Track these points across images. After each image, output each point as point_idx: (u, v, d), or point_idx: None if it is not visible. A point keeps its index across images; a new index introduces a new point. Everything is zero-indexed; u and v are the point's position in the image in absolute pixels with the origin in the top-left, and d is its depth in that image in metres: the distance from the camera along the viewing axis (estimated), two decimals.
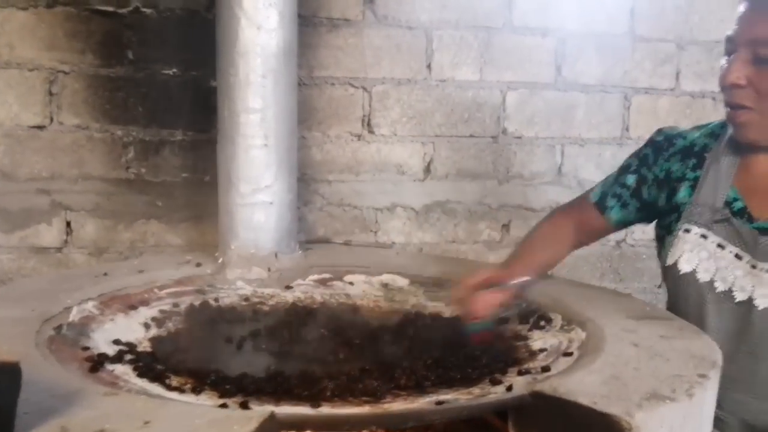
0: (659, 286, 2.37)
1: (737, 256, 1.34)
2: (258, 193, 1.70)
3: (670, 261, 1.40)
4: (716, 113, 2.31)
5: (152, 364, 1.18)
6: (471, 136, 2.14)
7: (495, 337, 1.34)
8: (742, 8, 1.30)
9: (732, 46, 1.29)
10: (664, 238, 1.47)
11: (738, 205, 1.37)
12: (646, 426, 0.94)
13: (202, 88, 1.89)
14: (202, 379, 1.12)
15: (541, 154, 2.20)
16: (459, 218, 2.17)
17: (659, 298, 2.36)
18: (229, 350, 1.28)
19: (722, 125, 1.44)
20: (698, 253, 1.37)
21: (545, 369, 1.15)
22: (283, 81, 1.69)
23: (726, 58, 1.32)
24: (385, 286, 1.69)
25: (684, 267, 1.38)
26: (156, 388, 1.08)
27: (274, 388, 1.09)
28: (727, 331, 1.35)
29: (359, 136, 2.05)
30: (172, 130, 1.94)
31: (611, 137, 2.24)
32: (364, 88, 2.03)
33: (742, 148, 1.38)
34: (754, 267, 1.32)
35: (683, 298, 1.40)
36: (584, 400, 0.97)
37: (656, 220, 1.53)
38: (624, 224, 1.57)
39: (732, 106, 1.31)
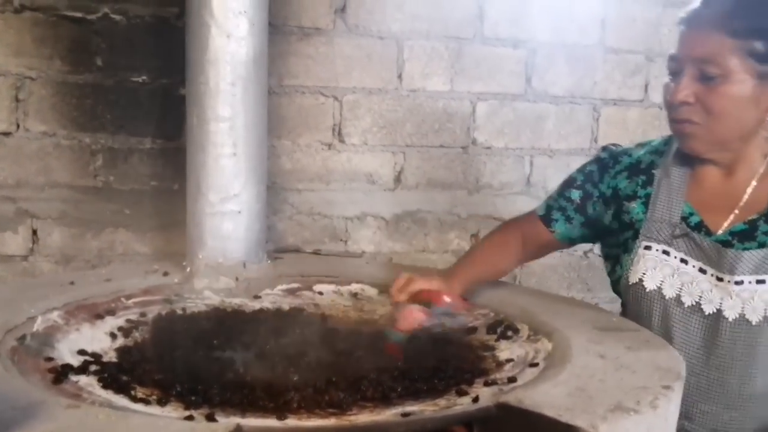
0: None
1: (701, 270, 1.36)
2: (226, 202, 1.69)
3: (633, 279, 1.41)
4: None
5: (117, 375, 1.16)
6: (441, 146, 2.15)
7: (402, 352, 1.32)
8: (683, 27, 1.34)
9: (677, 64, 1.33)
10: (619, 257, 1.48)
11: (694, 219, 1.39)
12: None
13: (171, 95, 1.88)
14: (168, 391, 1.11)
15: (511, 165, 2.22)
16: (429, 228, 2.18)
17: None
18: (195, 360, 1.26)
19: (665, 142, 1.47)
20: (661, 269, 1.38)
21: (511, 380, 1.16)
22: (253, 89, 1.69)
23: (670, 76, 1.35)
24: (354, 295, 1.69)
25: (649, 284, 1.39)
26: (121, 400, 1.07)
27: (240, 399, 1.08)
28: (696, 344, 1.36)
29: (330, 145, 2.05)
30: (141, 138, 1.92)
31: (580, 148, 2.27)
32: (335, 97, 2.04)
33: (690, 162, 1.41)
34: (720, 279, 1.34)
35: (647, 316, 1.41)
36: (549, 412, 0.98)
37: (603, 239, 1.55)
38: (570, 239, 1.57)
39: (678, 121, 1.34)
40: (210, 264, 1.69)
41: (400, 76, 2.08)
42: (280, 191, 2.04)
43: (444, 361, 1.29)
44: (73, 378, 1.13)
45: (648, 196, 1.43)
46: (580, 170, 1.56)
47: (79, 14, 1.84)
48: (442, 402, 1.10)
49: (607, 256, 1.55)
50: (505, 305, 1.53)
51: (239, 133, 1.68)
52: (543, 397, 1.03)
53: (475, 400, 1.08)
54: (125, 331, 1.42)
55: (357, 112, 2.06)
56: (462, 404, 1.07)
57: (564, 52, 2.20)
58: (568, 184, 1.56)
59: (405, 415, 1.02)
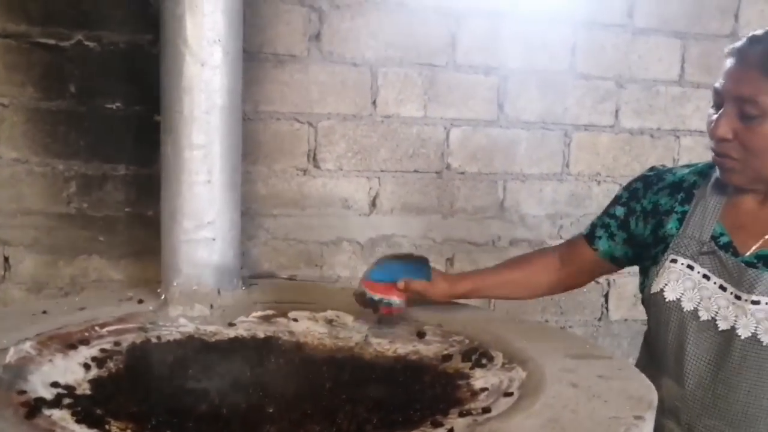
0: (599, 320, 2.43)
1: (722, 288, 1.39)
2: (201, 230, 1.69)
3: (654, 289, 1.45)
4: (654, 150, 2.40)
5: (91, 408, 1.15)
6: (416, 171, 2.17)
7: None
8: (729, 62, 1.35)
9: (719, 98, 1.35)
10: (648, 270, 1.51)
11: (724, 239, 1.42)
12: None
13: (146, 122, 1.87)
14: (143, 424, 1.10)
15: (484, 189, 2.24)
16: (404, 252, 2.19)
17: (600, 332, 2.43)
18: (170, 391, 1.26)
19: (711, 165, 1.49)
20: (683, 282, 1.42)
21: (486, 410, 1.17)
22: (228, 117, 1.70)
23: (713, 108, 1.38)
24: (329, 322, 1.69)
25: (669, 295, 1.42)
26: None
27: (216, 431, 1.08)
28: (707, 359, 1.39)
29: (305, 171, 2.06)
30: (115, 165, 1.92)
31: (552, 173, 2.30)
32: (310, 123, 2.05)
33: (728, 188, 1.44)
34: (738, 298, 1.36)
35: (664, 326, 1.44)
36: None
37: (641, 256, 1.56)
38: (612, 257, 1.60)
39: (718, 154, 1.38)
40: (185, 291, 1.69)
41: (374, 103, 2.10)
42: (256, 217, 2.04)
43: (420, 390, 1.30)
44: (47, 412, 1.12)
45: (684, 213, 1.47)
46: (626, 188, 1.60)
47: (52, 41, 1.84)
48: None
49: (641, 272, 1.57)
50: (480, 332, 1.54)
51: (214, 161, 1.69)
52: (516, 429, 1.04)
53: (450, 431, 1.08)
54: (99, 361, 1.40)
55: (332, 137, 2.08)
56: None
57: (535, 79, 2.23)
58: (614, 202, 1.60)
59: None
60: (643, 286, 1.53)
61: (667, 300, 1.42)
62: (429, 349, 1.54)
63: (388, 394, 1.27)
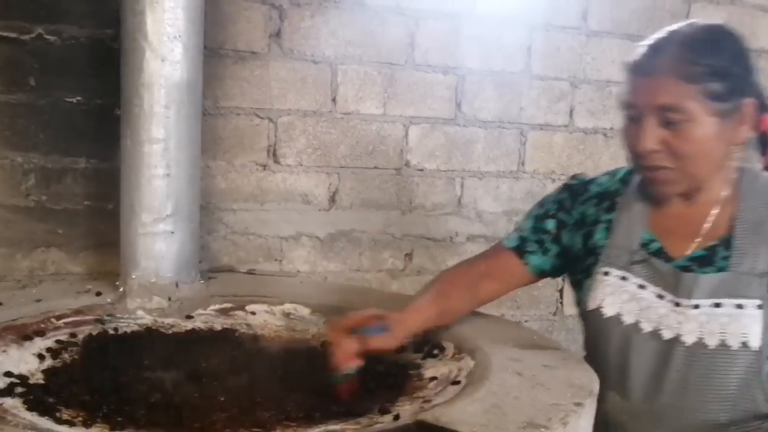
0: (554, 314, 2.49)
1: (659, 296, 1.37)
2: (159, 223, 1.71)
3: (592, 305, 1.42)
4: (607, 149, 2.47)
5: (43, 397, 1.17)
6: (375, 167, 2.20)
7: (359, 385, 1.30)
8: (633, 73, 1.33)
9: (636, 112, 1.32)
10: (581, 282, 1.49)
11: (655, 246, 1.40)
12: None
13: (106, 116, 1.88)
14: (94, 412, 1.12)
15: (442, 186, 2.29)
16: (363, 247, 2.23)
17: (555, 326, 2.48)
18: (124, 381, 1.28)
19: (630, 171, 1.47)
20: (620, 295, 1.39)
21: (432, 398, 1.21)
22: (187, 112, 1.72)
23: (629, 120, 1.34)
24: (287, 315, 1.72)
25: (607, 311, 1.39)
26: (45, 423, 1.08)
27: (166, 419, 1.10)
28: (652, 369, 1.36)
29: (264, 166, 2.08)
30: (75, 158, 1.91)
31: (508, 171, 2.35)
32: (270, 119, 2.07)
33: (653, 194, 1.41)
34: (677, 305, 1.34)
35: (605, 340, 1.41)
36: (464, 429, 1.03)
37: (571, 268, 1.54)
38: (542, 271, 1.55)
39: (649, 168, 1.34)
40: (143, 284, 1.70)
41: (334, 99, 2.13)
42: (215, 211, 2.06)
43: (371, 380, 1.34)
44: None
45: (610, 222, 1.45)
46: (552, 200, 1.56)
47: (12, 35, 1.83)
48: (364, 420, 1.14)
49: (573, 284, 1.55)
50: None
51: (173, 155, 1.70)
52: (459, 415, 1.08)
53: (396, 418, 1.12)
54: (54, 352, 1.42)
55: (292, 133, 2.10)
56: (382, 422, 1.12)
57: (492, 79, 2.28)
58: (542, 216, 1.55)
59: None
60: (579, 301, 1.51)
61: (605, 316, 1.40)
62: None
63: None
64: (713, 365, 1.32)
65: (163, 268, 1.73)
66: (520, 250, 1.54)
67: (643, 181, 1.42)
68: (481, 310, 1.63)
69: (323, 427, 1.10)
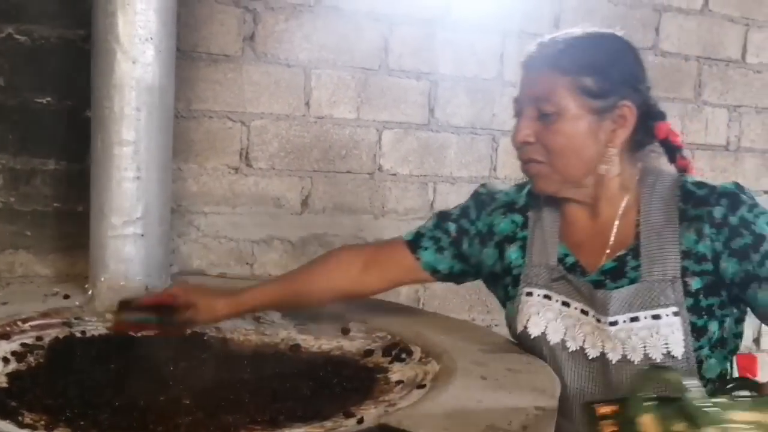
0: None
1: (583, 312, 1.34)
2: (129, 225, 1.70)
3: (519, 327, 1.40)
4: None
5: (5, 401, 1.16)
6: (348, 171, 2.21)
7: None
8: (522, 71, 1.37)
9: (519, 106, 1.35)
10: (506, 305, 1.48)
11: (570, 260, 1.39)
12: None
13: (77, 118, 1.87)
14: (57, 415, 1.11)
15: (415, 191, 2.30)
16: None
17: None
18: (90, 384, 1.27)
19: None
20: (544, 314, 1.37)
21: (396, 401, 1.22)
22: (158, 114, 1.71)
23: (514, 117, 1.37)
24: (257, 319, 1.72)
25: (533, 330, 1.37)
26: (7, 426, 1.07)
27: (129, 423, 1.10)
28: (587, 388, 1.33)
29: (237, 169, 2.08)
30: (45, 159, 1.90)
31: (480, 176, 2.37)
32: (243, 122, 2.07)
33: (555, 202, 1.41)
34: (599, 321, 1.31)
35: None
36: None
37: (488, 283, 1.54)
38: (434, 270, 1.53)
39: (524, 161, 1.36)
40: (112, 287, 1.69)
41: (307, 104, 2.13)
42: (186, 214, 2.05)
43: (338, 383, 1.34)
44: None
45: (525, 239, 1.44)
46: (457, 206, 1.57)
47: None
48: (328, 424, 1.14)
49: (501, 303, 1.53)
50: (403, 328, 1.59)
51: (143, 157, 1.70)
52: (422, 418, 1.09)
53: (360, 421, 1.13)
54: (19, 356, 1.40)
55: (264, 137, 2.10)
56: (347, 426, 1.12)
57: (465, 85, 2.30)
58: (444, 217, 1.55)
59: None
60: (508, 323, 1.49)
61: (532, 336, 1.38)
62: (353, 344, 1.58)
63: (306, 387, 1.30)
64: None
65: (133, 271, 1.72)
66: (414, 244, 1.53)
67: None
68: (452, 314, 1.64)
69: (287, 431, 1.10)
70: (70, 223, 1.93)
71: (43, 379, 1.28)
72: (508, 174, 2.40)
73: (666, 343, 1.26)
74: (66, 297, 1.70)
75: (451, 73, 2.27)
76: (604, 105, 1.30)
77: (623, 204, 1.37)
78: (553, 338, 1.36)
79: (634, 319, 1.28)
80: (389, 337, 1.58)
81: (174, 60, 1.76)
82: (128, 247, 1.71)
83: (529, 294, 1.40)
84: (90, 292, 1.71)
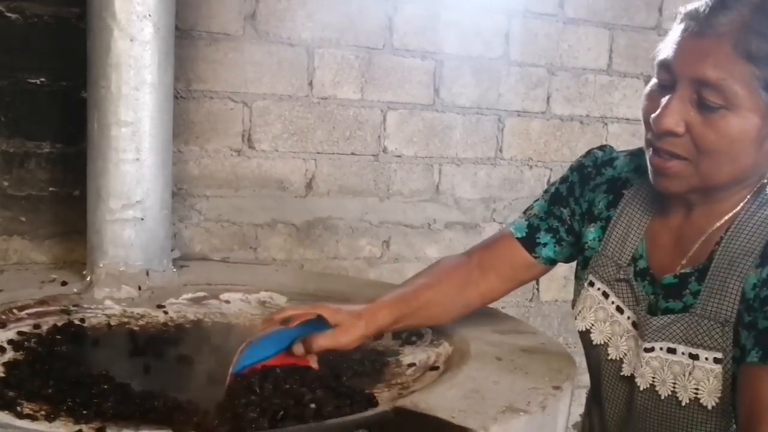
0: (531, 300, 2.48)
1: (634, 324, 1.17)
2: (128, 209, 1.65)
3: (575, 311, 1.26)
4: (583, 136, 2.45)
5: (3, 391, 1.12)
6: (352, 153, 2.16)
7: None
8: (683, 29, 1.04)
9: (669, 76, 1.05)
10: (575, 280, 1.32)
11: (642, 264, 1.19)
12: None
13: (72, 99, 1.82)
14: (58, 406, 1.07)
15: (420, 173, 2.25)
16: (340, 234, 2.19)
17: (531, 312, 2.47)
18: (92, 374, 1.23)
19: None
20: (596, 312, 1.22)
21: (411, 384, 1.18)
22: (158, 94, 1.66)
23: (655, 87, 1.08)
24: (262, 304, 1.68)
25: (579, 324, 1.24)
26: (5, 417, 1.02)
27: (131, 412, 1.06)
28: (618, 398, 1.21)
29: (239, 151, 2.04)
30: (39, 142, 1.85)
31: (486, 157, 2.33)
32: (245, 103, 2.02)
33: (662, 195, 1.16)
34: (637, 342, 1.16)
35: (587, 356, 1.28)
36: (443, 415, 1.01)
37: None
38: (554, 262, 1.34)
39: (660, 151, 1.07)
40: (111, 273, 1.65)
41: (310, 84, 2.08)
42: (187, 197, 2.01)
43: (348, 367, 1.30)
44: None
45: (609, 220, 1.24)
46: (563, 181, 1.33)
47: None
48: (342, 409, 1.10)
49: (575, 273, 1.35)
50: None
51: (142, 139, 1.65)
52: (438, 400, 1.05)
53: (375, 403, 1.09)
54: (16, 344, 1.35)
55: (267, 118, 2.05)
56: (362, 410, 1.08)
57: (470, 65, 2.25)
58: (555, 200, 1.32)
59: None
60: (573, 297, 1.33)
61: (579, 328, 1.24)
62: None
63: (320, 371, 1.26)
64: (668, 417, 1.13)
65: (133, 256, 1.68)
66: (529, 241, 1.32)
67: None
68: None
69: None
70: (66, 207, 1.88)
71: (41, 369, 1.23)
72: (513, 155, 2.36)
73: (697, 389, 1.08)
74: (63, 284, 1.66)
75: (456, 53, 2.22)
76: None
77: (728, 216, 1.11)
78: (597, 339, 1.22)
79: (671, 351, 1.11)
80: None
81: (173, 38, 1.71)
82: (127, 232, 1.67)
83: (592, 284, 1.23)
84: (88, 279, 1.67)
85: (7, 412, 1.04)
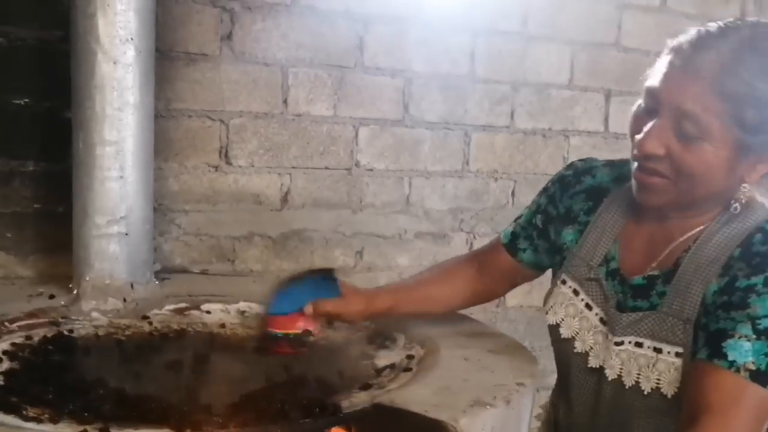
0: (497, 306, 2.58)
1: (602, 320, 1.27)
2: (113, 225, 1.72)
3: (546, 307, 1.36)
4: (546, 149, 2.57)
5: (6, 397, 1.18)
6: (326, 167, 2.25)
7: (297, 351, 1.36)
8: (670, 63, 1.13)
9: (654, 103, 1.14)
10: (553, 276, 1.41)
11: (613, 265, 1.28)
12: (469, 429, 1.08)
13: (56, 118, 1.88)
14: (60, 409, 1.14)
15: (391, 186, 2.35)
16: (315, 245, 2.27)
17: (498, 317, 2.57)
18: (87, 380, 1.30)
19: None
20: (566, 308, 1.31)
21: (386, 384, 1.27)
22: (140, 114, 1.73)
23: (642, 111, 1.17)
24: (242, 313, 1.76)
25: (550, 318, 1.33)
26: (12, 420, 1.09)
27: (131, 414, 1.13)
28: (588, 389, 1.29)
29: (217, 167, 2.11)
30: (24, 161, 1.90)
31: (453, 170, 2.43)
32: (222, 121, 2.10)
33: (639, 205, 1.25)
34: (606, 336, 1.25)
35: (555, 350, 1.36)
36: (417, 409, 1.10)
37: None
38: (541, 266, 1.47)
39: (644, 170, 1.17)
40: (97, 285, 1.71)
41: (285, 101, 2.17)
42: (167, 212, 2.07)
43: (326, 370, 1.39)
44: None
45: (586, 225, 1.33)
46: (544, 191, 1.45)
47: None
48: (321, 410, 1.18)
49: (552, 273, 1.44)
50: (386, 318, 1.64)
51: (126, 157, 1.72)
52: (412, 397, 1.15)
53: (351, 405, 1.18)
54: (11, 355, 1.42)
55: (243, 135, 2.13)
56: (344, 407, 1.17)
57: (438, 82, 2.35)
58: (535, 209, 1.45)
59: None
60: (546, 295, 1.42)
61: (548, 322, 1.34)
62: (337, 334, 1.63)
63: (297, 376, 1.35)
64: (632, 405, 1.22)
65: (118, 269, 1.74)
66: (511, 246, 1.47)
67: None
68: None
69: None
70: (50, 223, 1.93)
71: (38, 376, 1.29)
72: (480, 168, 2.47)
73: (659, 379, 1.18)
74: (51, 297, 1.71)
75: (424, 71, 2.33)
76: (755, 142, 1.10)
77: (698, 229, 1.21)
78: (565, 333, 1.30)
79: (638, 344, 1.20)
80: (373, 326, 1.63)
81: (153, 60, 1.78)
82: (112, 246, 1.73)
83: (564, 282, 1.33)
84: (75, 292, 1.72)
85: (13, 415, 1.10)
